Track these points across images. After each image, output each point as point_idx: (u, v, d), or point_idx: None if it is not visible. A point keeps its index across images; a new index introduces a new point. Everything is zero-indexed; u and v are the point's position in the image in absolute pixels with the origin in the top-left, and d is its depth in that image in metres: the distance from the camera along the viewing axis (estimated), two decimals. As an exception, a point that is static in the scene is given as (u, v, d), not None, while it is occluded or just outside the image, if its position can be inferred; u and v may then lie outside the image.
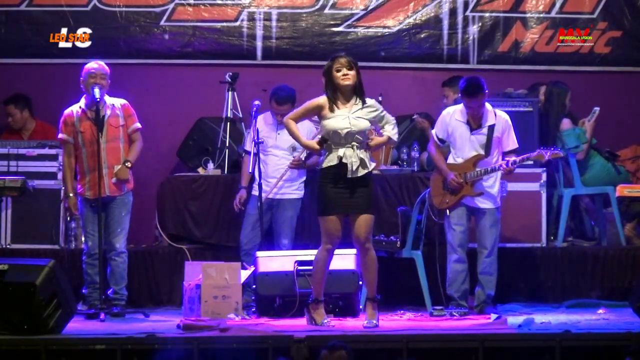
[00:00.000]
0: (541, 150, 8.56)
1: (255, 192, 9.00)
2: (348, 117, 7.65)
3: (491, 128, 8.50)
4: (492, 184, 8.54)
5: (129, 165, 8.60)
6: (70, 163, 8.66)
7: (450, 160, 8.63)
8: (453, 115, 8.59)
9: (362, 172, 7.65)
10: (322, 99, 7.74)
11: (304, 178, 9.14)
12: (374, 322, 7.70)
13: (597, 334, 7.26)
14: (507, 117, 8.64)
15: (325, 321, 7.74)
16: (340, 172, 7.65)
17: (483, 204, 8.54)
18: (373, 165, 7.76)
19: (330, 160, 7.66)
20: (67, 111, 8.69)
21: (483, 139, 8.52)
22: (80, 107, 8.63)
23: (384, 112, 7.80)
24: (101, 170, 8.45)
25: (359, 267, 8.40)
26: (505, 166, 8.41)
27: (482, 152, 8.51)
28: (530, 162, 9.03)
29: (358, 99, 7.72)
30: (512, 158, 8.44)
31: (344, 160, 7.62)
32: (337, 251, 8.39)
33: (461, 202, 8.54)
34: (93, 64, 8.64)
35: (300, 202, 9.10)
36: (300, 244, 9.08)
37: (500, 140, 8.55)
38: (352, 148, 7.64)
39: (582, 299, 9.06)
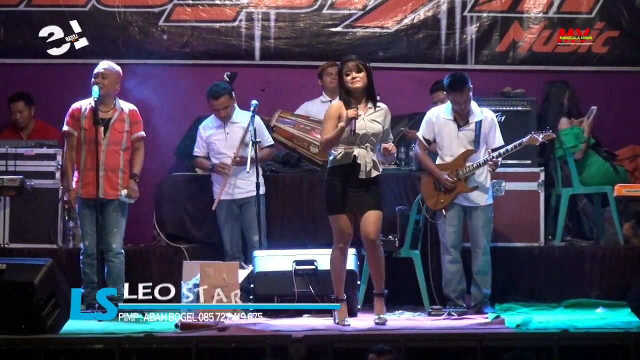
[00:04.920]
0: (533, 134, 8.59)
1: (223, 196, 9.05)
2: (363, 119, 7.69)
3: (478, 124, 8.53)
4: (484, 179, 8.57)
5: (137, 180, 8.64)
6: (71, 157, 8.66)
7: (438, 161, 8.65)
8: (439, 115, 8.63)
9: (374, 173, 7.72)
10: (338, 103, 7.79)
11: (262, 173, 9.16)
12: (383, 317, 7.81)
13: (595, 333, 7.29)
14: (493, 114, 8.70)
15: (344, 321, 7.77)
16: (352, 171, 7.69)
17: (477, 200, 8.56)
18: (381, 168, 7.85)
19: (344, 159, 7.69)
20: (75, 105, 8.70)
21: (471, 134, 8.55)
22: (89, 104, 8.63)
23: (389, 126, 7.85)
24: (98, 172, 8.46)
25: (358, 267, 8.44)
26: (493, 159, 8.43)
27: (471, 147, 8.53)
28: (528, 162, 9.07)
29: (370, 102, 7.76)
30: (496, 152, 8.48)
31: (358, 161, 7.68)
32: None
33: (454, 201, 8.55)
34: (101, 64, 8.67)
35: (264, 198, 9.09)
36: (298, 243, 9.08)
37: (486, 137, 8.57)
38: (366, 149, 7.71)
39: (580, 299, 9.06)
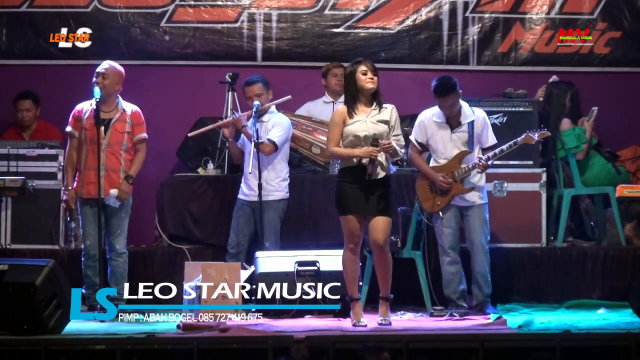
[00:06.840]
0: (528, 132, 8.57)
1: (240, 195, 9.04)
2: (366, 121, 7.77)
3: (471, 124, 8.52)
4: (479, 180, 8.56)
5: (131, 182, 8.62)
6: (72, 157, 8.69)
7: (432, 163, 8.65)
8: (431, 118, 8.62)
9: (381, 174, 7.74)
10: (342, 108, 7.89)
11: (287, 181, 9.11)
12: (388, 319, 7.86)
13: (597, 334, 7.29)
14: (484, 114, 8.69)
15: (360, 321, 7.81)
16: (358, 173, 7.74)
17: (472, 199, 8.55)
18: (393, 169, 7.90)
19: (349, 161, 7.76)
20: (78, 106, 8.74)
21: (464, 136, 8.54)
22: (91, 105, 8.64)
23: (398, 122, 7.91)
24: (99, 172, 8.46)
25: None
26: (483, 161, 8.41)
27: (465, 148, 8.53)
28: (530, 162, 9.03)
29: (376, 104, 7.82)
30: (491, 152, 8.47)
31: (363, 161, 7.73)
32: (334, 252, 8.43)
33: (451, 202, 8.55)
34: (102, 64, 8.70)
35: (282, 203, 9.06)
36: (300, 244, 9.08)
37: (479, 137, 8.56)
38: None
39: (582, 299, 9.07)
